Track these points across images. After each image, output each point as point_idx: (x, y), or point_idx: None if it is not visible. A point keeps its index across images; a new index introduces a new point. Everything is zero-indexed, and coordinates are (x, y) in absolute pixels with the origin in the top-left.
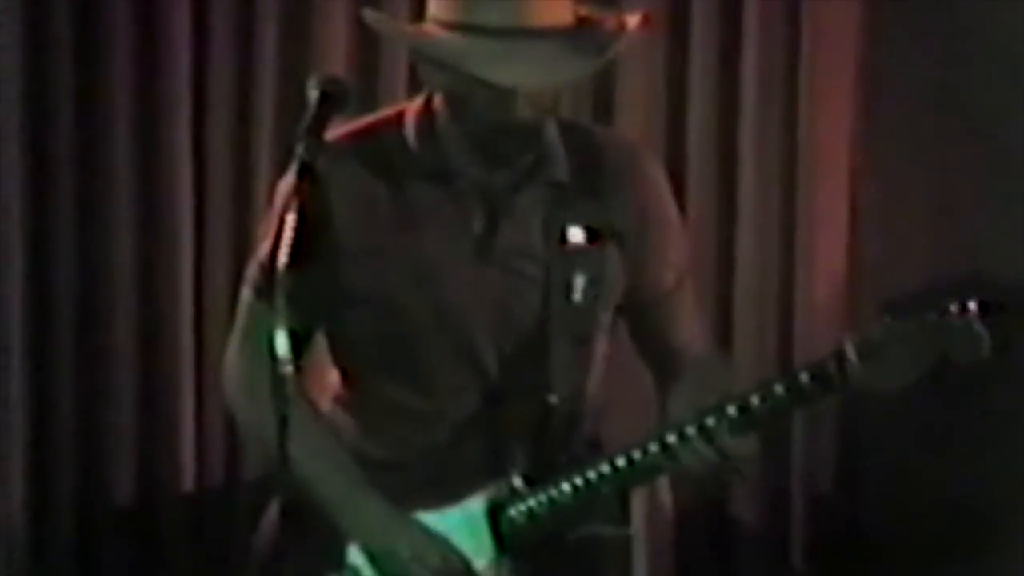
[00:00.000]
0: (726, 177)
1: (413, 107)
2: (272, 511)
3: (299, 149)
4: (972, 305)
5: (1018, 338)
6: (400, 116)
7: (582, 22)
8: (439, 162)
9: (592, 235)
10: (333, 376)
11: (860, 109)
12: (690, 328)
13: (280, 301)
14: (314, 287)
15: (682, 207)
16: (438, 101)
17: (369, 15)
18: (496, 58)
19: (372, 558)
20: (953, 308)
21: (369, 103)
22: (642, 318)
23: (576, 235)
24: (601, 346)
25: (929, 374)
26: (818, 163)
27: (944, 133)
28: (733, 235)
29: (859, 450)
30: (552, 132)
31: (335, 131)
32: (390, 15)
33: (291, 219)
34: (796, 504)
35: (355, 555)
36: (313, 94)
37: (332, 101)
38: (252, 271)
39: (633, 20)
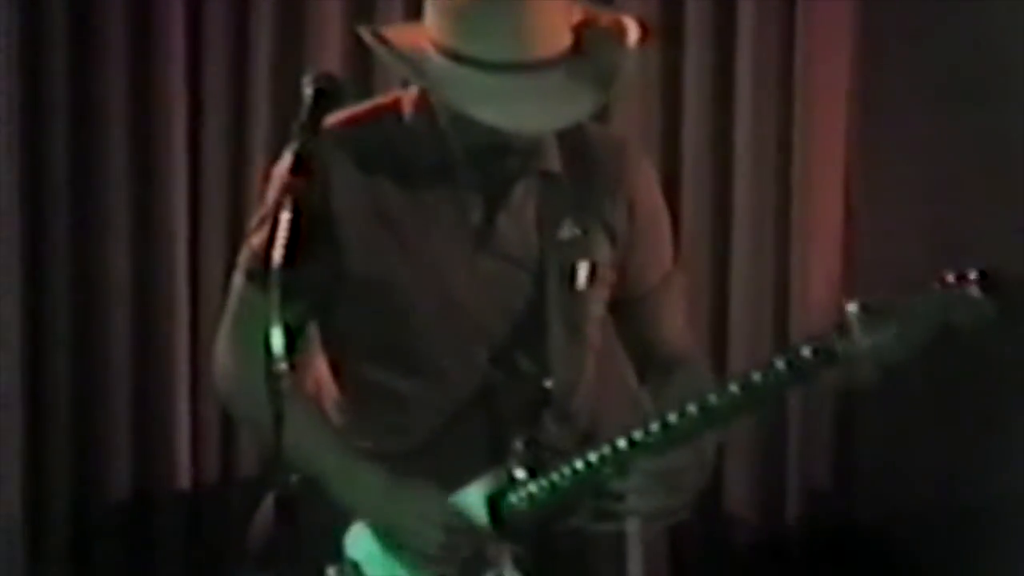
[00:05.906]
0: (722, 176)
1: (409, 96)
2: (267, 504)
3: (294, 146)
4: (972, 274)
5: (1015, 332)
6: (397, 105)
7: (581, 40)
8: (440, 157)
9: (585, 224)
10: (320, 364)
11: (856, 108)
12: (673, 325)
13: (275, 299)
14: (310, 281)
15: (677, 206)
16: (437, 100)
17: (365, 34)
18: (493, 98)
19: (376, 533)
20: (950, 278)
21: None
22: (626, 313)
23: (570, 224)
24: (594, 336)
25: (925, 354)
26: (814, 162)
27: (940, 132)
28: (729, 234)
29: (855, 446)
30: None
31: (332, 118)
32: (385, 14)
33: (286, 216)
34: (791, 500)
35: (354, 549)
36: (308, 91)
37: (327, 98)
38: (244, 256)
39: (632, 30)
